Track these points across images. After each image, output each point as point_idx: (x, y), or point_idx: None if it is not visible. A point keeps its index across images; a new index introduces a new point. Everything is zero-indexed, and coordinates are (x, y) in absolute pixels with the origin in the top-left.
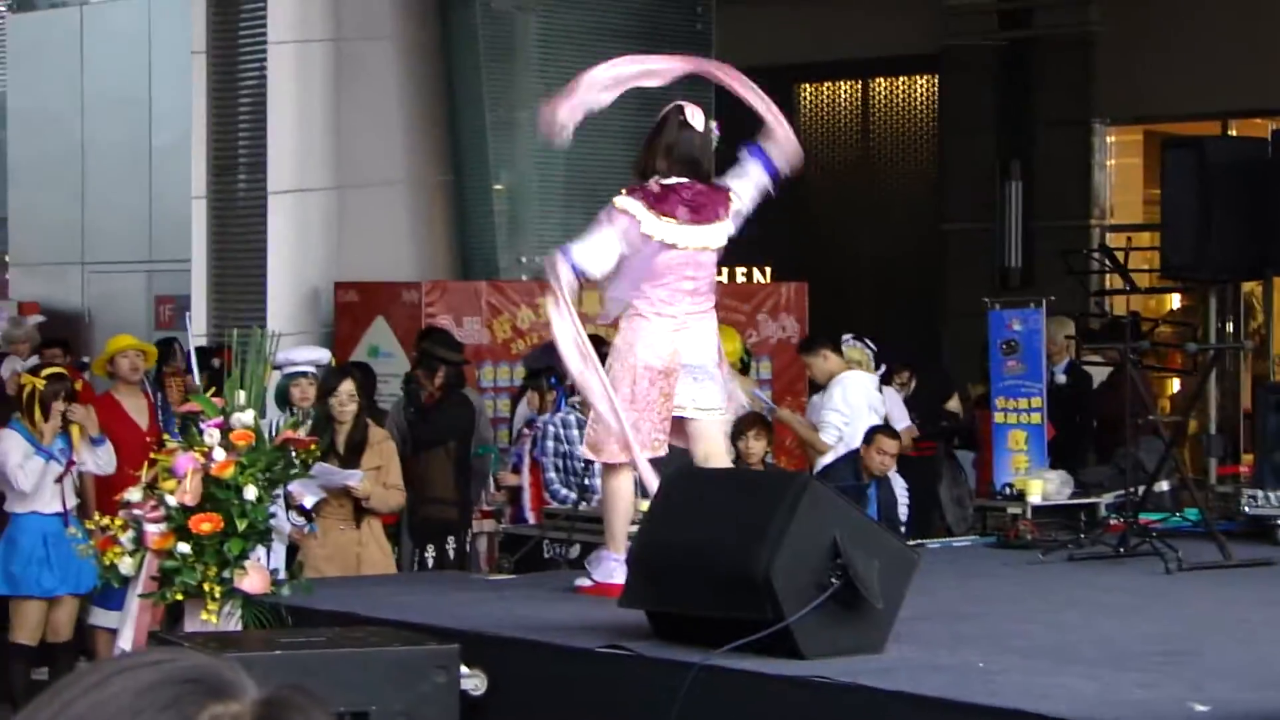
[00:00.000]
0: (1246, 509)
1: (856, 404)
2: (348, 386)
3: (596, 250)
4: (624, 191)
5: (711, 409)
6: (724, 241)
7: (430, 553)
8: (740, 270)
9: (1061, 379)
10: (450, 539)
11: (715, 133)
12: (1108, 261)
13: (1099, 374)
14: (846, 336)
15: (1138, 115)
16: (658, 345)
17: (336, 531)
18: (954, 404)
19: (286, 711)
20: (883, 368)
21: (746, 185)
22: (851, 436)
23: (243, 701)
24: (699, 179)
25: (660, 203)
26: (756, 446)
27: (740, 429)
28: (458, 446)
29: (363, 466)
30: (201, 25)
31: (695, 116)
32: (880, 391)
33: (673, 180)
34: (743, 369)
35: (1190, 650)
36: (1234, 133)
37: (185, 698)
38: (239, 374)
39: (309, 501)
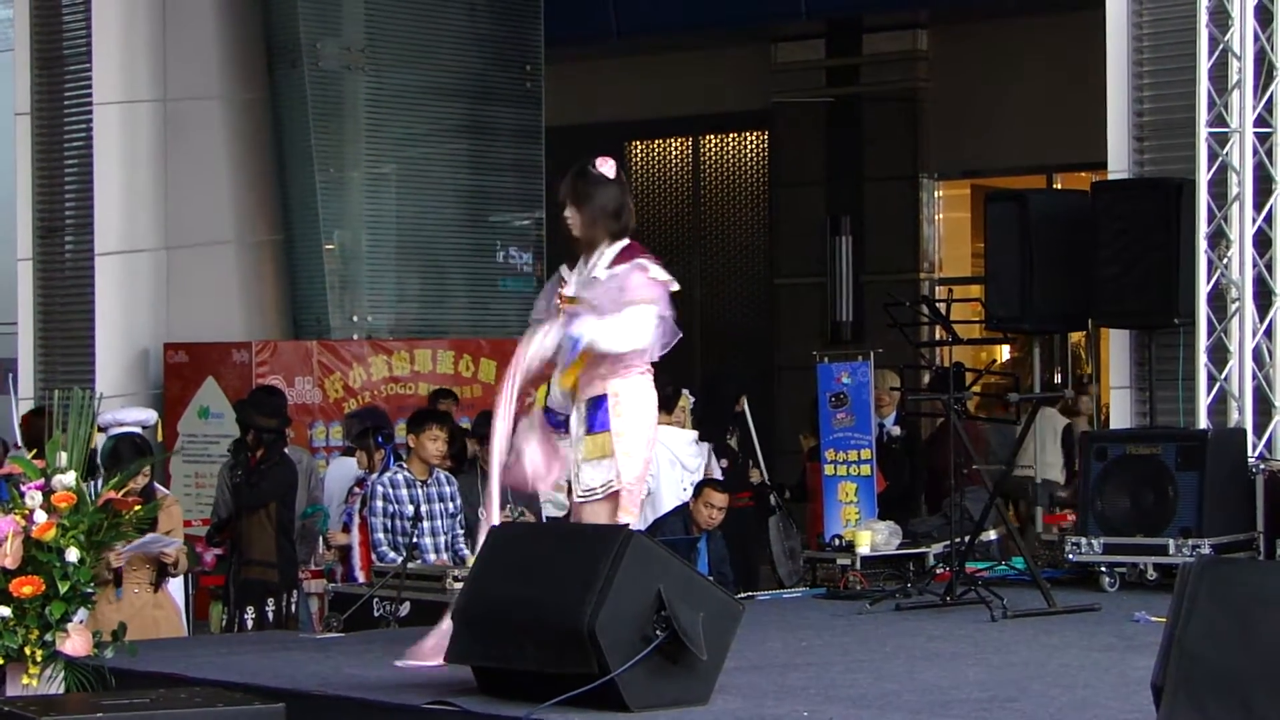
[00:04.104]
0: (1071, 556)
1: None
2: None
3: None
4: (645, 255)
5: None
6: None
7: (250, 614)
8: None
9: (896, 430)
10: (270, 600)
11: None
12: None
13: (929, 425)
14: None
15: (965, 170)
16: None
17: (132, 594)
18: None
19: None
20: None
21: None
22: (656, 490)
23: None
24: None
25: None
26: None
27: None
28: (279, 508)
29: (158, 530)
30: (26, 85)
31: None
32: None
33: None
34: None
35: (1013, 696)
36: (1059, 185)
37: None
38: (60, 435)
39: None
